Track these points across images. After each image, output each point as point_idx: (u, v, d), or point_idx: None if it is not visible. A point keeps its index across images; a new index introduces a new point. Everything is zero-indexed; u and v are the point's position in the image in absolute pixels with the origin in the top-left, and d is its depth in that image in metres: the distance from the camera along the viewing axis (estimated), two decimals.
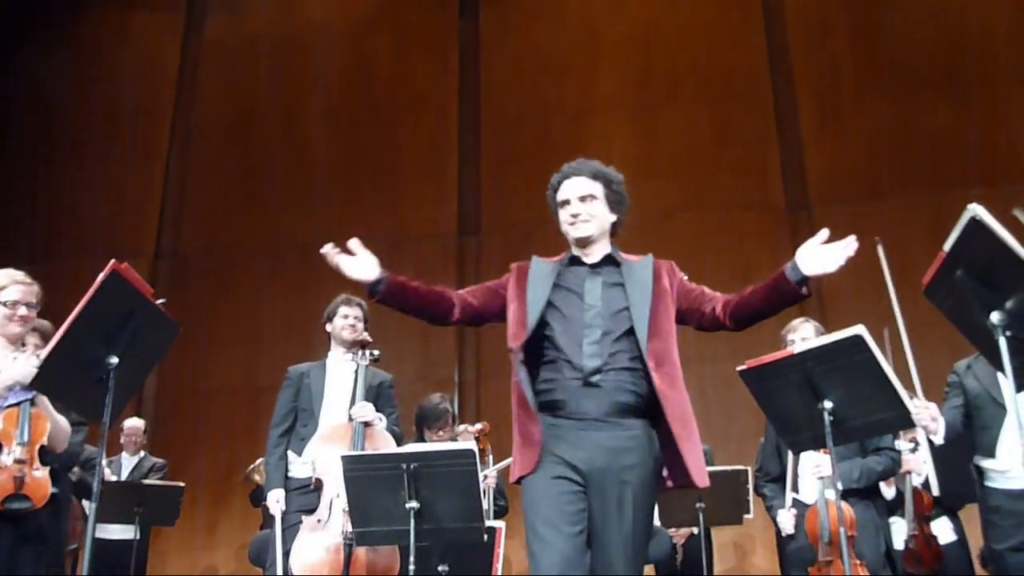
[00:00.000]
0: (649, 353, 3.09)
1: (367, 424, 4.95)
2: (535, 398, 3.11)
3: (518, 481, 3.14)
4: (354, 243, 3.28)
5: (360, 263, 3.29)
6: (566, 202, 3.31)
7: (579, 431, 3.07)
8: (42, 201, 10.75)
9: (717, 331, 3.35)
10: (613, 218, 3.34)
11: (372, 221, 10.33)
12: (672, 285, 3.26)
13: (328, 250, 3.25)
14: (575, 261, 3.33)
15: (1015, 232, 2.84)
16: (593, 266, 3.29)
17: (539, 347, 3.19)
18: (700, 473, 3.16)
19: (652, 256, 3.33)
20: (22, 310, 4.05)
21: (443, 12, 11.12)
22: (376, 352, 5.29)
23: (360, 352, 5.22)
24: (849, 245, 3.03)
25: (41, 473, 3.96)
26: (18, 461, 3.89)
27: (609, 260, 3.30)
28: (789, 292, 3.10)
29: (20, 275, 4.13)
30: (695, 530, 6.23)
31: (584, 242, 3.30)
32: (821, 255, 3.05)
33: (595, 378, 3.08)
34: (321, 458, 4.81)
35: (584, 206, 3.28)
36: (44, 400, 4.01)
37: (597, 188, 3.30)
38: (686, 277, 3.35)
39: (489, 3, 11.04)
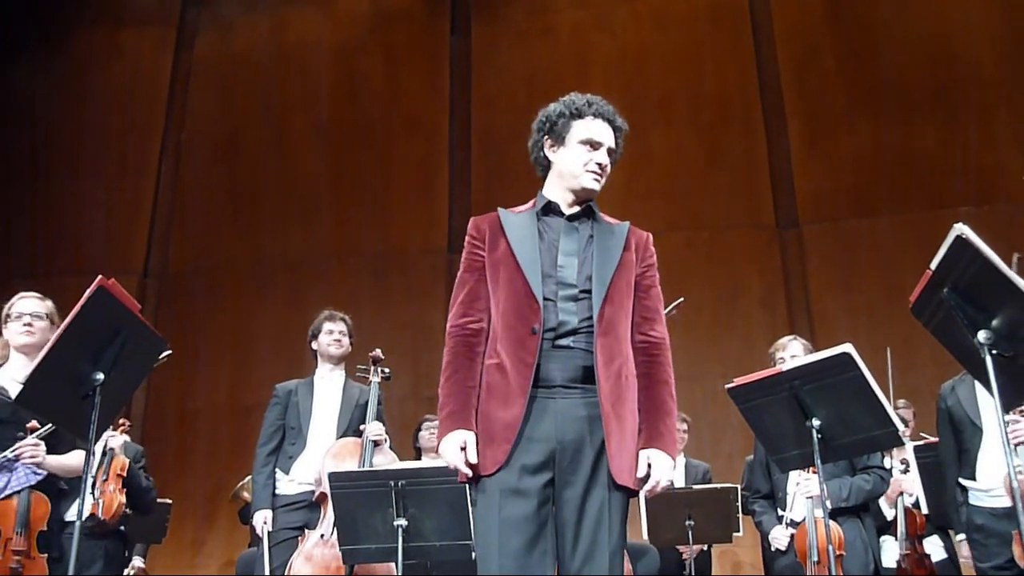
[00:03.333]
0: (599, 317, 2.86)
1: (376, 443, 4.97)
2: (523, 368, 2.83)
3: (470, 481, 2.88)
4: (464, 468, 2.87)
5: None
6: (596, 145, 3.02)
7: (546, 400, 2.83)
8: (31, 218, 10.70)
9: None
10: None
11: (362, 239, 10.36)
12: (636, 261, 3.00)
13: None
14: (550, 210, 3.06)
15: (1000, 251, 2.85)
16: (570, 218, 3.03)
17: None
18: (619, 464, 2.77)
19: (630, 224, 3.08)
20: (26, 319, 4.17)
21: (434, 30, 11.15)
22: (388, 370, 5.31)
23: (373, 368, 5.25)
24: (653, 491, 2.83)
25: (39, 561, 3.96)
26: (16, 552, 3.88)
27: (588, 212, 3.04)
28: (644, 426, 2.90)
29: (31, 293, 4.33)
30: (705, 547, 6.26)
31: (591, 196, 3.06)
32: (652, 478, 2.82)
33: (564, 340, 2.86)
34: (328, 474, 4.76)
35: (607, 160, 3.04)
36: (53, 461, 4.04)
37: (616, 139, 3.08)
38: (656, 271, 3.06)
39: (480, 21, 11.08)
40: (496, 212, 3.09)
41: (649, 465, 2.80)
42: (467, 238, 3.09)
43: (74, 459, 4.16)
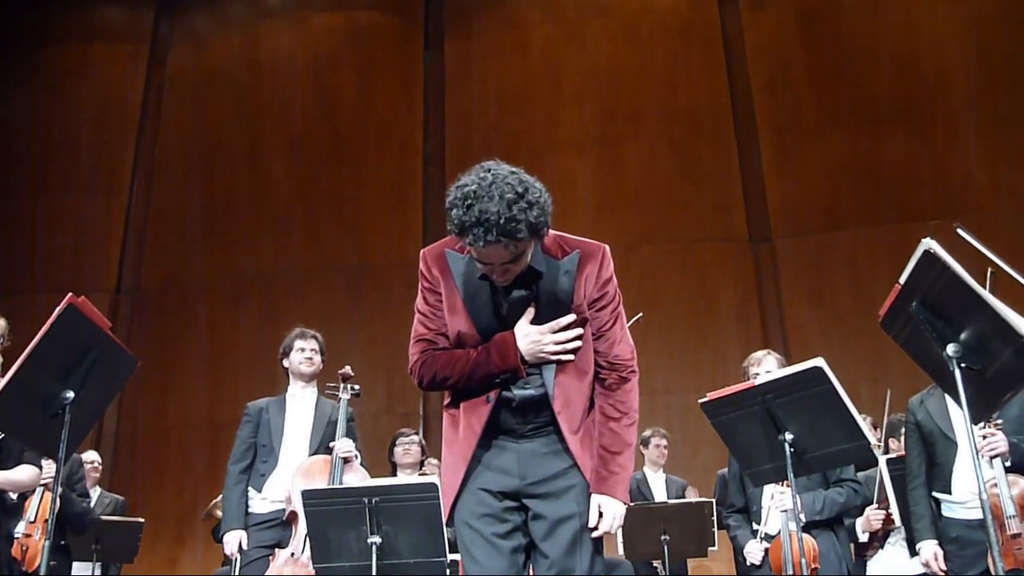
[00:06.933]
0: (556, 384, 2.84)
1: (346, 460, 4.93)
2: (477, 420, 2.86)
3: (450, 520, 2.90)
4: None
5: None
6: (487, 265, 2.76)
7: (506, 442, 2.86)
8: (2, 235, 10.62)
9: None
10: (536, 239, 2.76)
11: (336, 255, 10.33)
12: (593, 287, 2.87)
13: None
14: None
15: (968, 265, 2.88)
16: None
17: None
18: (587, 468, 2.84)
19: (579, 255, 2.88)
20: None
21: (408, 47, 11.17)
22: (357, 387, 5.28)
23: (343, 386, 5.22)
24: None
25: None
26: None
27: (528, 272, 2.82)
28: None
29: None
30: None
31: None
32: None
33: (522, 392, 2.85)
34: (298, 492, 4.71)
35: (509, 266, 2.74)
36: None
37: (513, 246, 2.66)
38: (613, 287, 2.92)
39: (454, 37, 11.11)
40: (444, 252, 2.96)
41: (600, 513, 2.82)
42: (420, 277, 3.04)
43: (23, 474, 4.09)
